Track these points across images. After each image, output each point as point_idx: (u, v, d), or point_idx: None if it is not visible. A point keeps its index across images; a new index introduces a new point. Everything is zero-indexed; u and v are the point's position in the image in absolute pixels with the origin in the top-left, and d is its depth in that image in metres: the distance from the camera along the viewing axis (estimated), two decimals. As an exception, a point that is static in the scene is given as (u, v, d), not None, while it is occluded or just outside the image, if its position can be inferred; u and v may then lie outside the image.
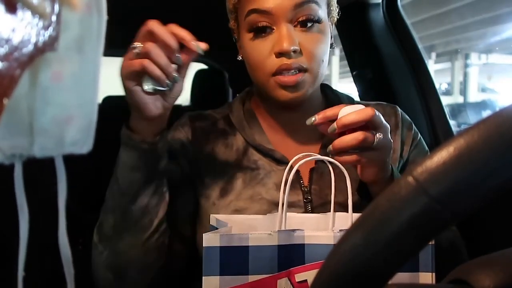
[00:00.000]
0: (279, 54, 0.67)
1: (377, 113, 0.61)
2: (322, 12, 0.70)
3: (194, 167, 0.76)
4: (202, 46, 0.59)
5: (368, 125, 0.61)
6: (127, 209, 0.66)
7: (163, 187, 0.69)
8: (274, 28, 0.68)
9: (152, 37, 0.58)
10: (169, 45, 0.57)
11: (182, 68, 0.62)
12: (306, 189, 0.74)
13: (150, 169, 0.66)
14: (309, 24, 0.69)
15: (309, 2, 0.68)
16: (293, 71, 0.68)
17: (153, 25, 0.58)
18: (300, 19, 0.68)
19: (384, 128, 0.62)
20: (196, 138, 0.78)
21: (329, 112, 0.63)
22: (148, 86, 0.60)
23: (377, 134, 0.61)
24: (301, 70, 0.68)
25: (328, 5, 0.73)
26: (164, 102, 0.63)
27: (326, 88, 0.83)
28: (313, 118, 0.64)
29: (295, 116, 0.77)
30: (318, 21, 0.69)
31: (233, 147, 0.77)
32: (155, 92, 0.61)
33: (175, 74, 0.60)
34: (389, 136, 0.64)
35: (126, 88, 0.61)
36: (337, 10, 0.76)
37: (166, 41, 0.57)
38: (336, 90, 0.84)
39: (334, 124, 0.61)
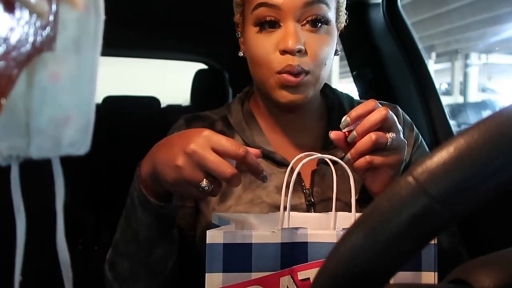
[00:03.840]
0: (284, 52, 0.66)
1: (390, 112, 0.60)
2: (331, 15, 0.69)
3: None
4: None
5: (382, 126, 0.60)
6: (144, 259, 0.66)
7: (175, 231, 0.69)
8: (282, 24, 0.68)
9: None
10: None
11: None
12: (308, 192, 0.73)
13: (167, 226, 0.66)
14: (318, 24, 0.68)
15: (320, 2, 0.67)
16: (295, 72, 0.67)
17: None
18: (309, 19, 0.67)
19: (397, 128, 0.61)
20: None
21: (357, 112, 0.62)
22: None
23: (390, 134, 0.60)
24: (304, 72, 0.67)
25: (337, 10, 0.73)
26: None
27: (325, 88, 0.82)
28: (346, 121, 0.62)
29: (295, 117, 0.77)
30: (326, 22, 0.68)
31: None
32: None
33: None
34: (402, 136, 0.63)
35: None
36: (345, 17, 0.76)
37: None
38: (336, 90, 0.83)
39: (354, 133, 0.60)
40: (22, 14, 0.22)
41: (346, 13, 0.76)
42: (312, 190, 0.74)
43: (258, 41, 0.69)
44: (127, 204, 0.66)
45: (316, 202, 0.73)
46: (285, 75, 0.67)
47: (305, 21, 0.68)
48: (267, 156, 0.74)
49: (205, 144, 0.55)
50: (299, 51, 0.66)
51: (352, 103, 0.82)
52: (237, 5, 0.74)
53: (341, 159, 0.62)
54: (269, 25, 0.68)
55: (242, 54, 0.75)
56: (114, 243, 0.69)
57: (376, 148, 0.60)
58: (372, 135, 0.59)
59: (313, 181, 0.74)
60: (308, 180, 0.75)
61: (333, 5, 0.70)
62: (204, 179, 0.54)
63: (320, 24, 0.68)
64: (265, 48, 0.68)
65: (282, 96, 0.68)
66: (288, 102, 0.69)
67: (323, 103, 0.81)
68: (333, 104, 0.80)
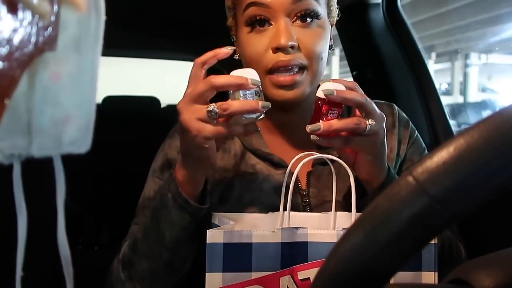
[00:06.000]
0: (276, 50, 0.66)
1: (368, 99, 0.61)
2: (321, 9, 0.69)
3: None
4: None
5: (360, 111, 0.61)
6: (168, 260, 0.66)
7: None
8: (272, 22, 0.67)
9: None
10: None
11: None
12: (304, 193, 0.74)
13: (198, 227, 0.65)
14: (308, 20, 0.68)
15: None
16: (291, 69, 0.66)
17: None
18: (299, 14, 0.67)
19: (377, 116, 0.62)
20: None
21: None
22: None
23: (369, 121, 0.61)
24: (301, 67, 0.67)
25: (328, 5, 0.73)
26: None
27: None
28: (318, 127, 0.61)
29: (292, 117, 0.77)
30: (317, 16, 0.68)
31: (231, 151, 0.76)
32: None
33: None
34: (383, 124, 0.63)
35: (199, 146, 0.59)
36: (337, 12, 0.76)
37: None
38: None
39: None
40: (25, 15, 0.22)
41: (337, 8, 0.76)
42: (308, 191, 0.74)
43: (250, 41, 0.69)
44: (155, 206, 0.66)
45: (312, 203, 0.73)
46: (276, 76, 0.67)
47: (295, 17, 0.68)
48: (265, 158, 0.75)
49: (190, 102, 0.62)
50: (292, 47, 0.66)
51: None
52: (229, 9, 0.74)
53: (339, 158, 0.62)
54: (260, 24, 0.68)
55: (237, 57, 0.75)
56: (132, 243, 0.68)
57: (354, 133, 0.61)
58: (355, 119, 0.60)
59: (309, 182, 0.75)
60: (304, 181, 0.75)
61: (323, 0, 0.70)
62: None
63: (310, 19, 0.68)
64: (257, 48, 0.68)
65: (279, 96, 0.68)
66: (285, 101, 0.69)
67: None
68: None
